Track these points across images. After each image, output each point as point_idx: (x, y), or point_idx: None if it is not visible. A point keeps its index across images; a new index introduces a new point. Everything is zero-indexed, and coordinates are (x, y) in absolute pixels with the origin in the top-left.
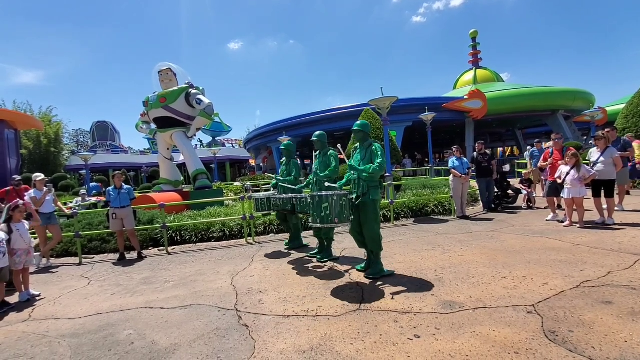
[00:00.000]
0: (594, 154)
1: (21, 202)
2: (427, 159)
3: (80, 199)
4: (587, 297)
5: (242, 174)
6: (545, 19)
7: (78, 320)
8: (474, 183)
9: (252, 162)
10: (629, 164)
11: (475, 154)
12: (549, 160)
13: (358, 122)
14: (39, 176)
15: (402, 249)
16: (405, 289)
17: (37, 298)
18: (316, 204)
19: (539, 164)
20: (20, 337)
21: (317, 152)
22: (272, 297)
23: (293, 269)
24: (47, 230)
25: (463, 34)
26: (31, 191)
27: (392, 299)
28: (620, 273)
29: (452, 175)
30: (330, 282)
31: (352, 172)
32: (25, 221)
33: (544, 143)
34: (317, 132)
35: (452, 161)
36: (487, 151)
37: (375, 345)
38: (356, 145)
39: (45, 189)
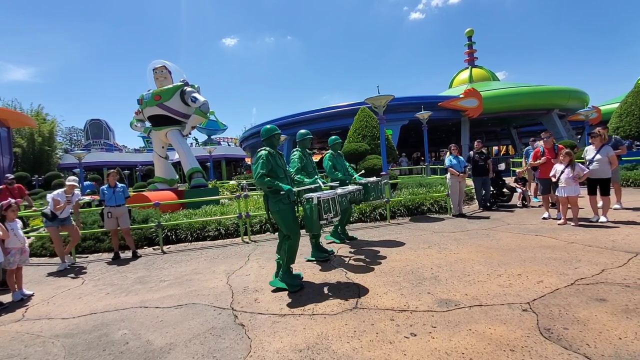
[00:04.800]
0: (589, 152)
1: (13, 201)
2: (422, 158)
3: None
4: (581, 294)
5: (238, 172)
6: (543, 17)
7: (72, 320)
8: (470, 181)
9: (248, 161)
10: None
11: (471, 152)
12: (542, 158)
13: (335, 137)
14: (71, 180)
15: (398, 247)
16: (401, 287)
17: (31, 298)
18: (378, 187)
19: (529, 163)
20: (14, 337)
21: (301, 150)
22: (268, 296)
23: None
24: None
25: (461, 32)
26: (59, 191)
27: (389, 297)
28: (614, 271)
29: (449, 173)
30: (326, 281)
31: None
32: (19, 220)
33: (538, 142)
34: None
35: (449, 159)
36: (484, 150)
37: (371, 344)
38: (331, 152)
39: (74, 196)
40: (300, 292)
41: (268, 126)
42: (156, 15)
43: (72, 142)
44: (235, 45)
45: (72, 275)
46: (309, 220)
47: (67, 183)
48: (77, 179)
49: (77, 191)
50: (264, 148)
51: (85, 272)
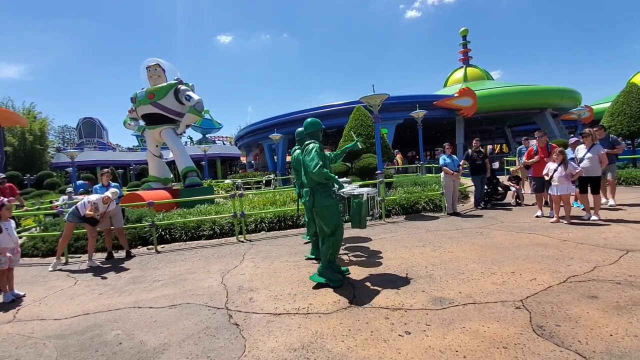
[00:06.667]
0: (580, 150)
1: (6, 199)
2: (417, 156)
3: (66, 197)
4: (573, 291)
5: (233, 171)
6: (539, 16)
7: (64, 321)
8: (464, 180)
9: (243, 160)
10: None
11: (470, 150)
12: (536, 157)
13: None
14: (111, 192)
15: (393, 246)
16: (396, 285)
17: (22, 298)
18: None
19: (522, 161)
20: (5, 338)
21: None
22: (263, 295)
23: (284, 266)
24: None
25: (457, 30)
26: (98, 197)
27: (383, 295)
28: (606, 268)
29: (443, 172)
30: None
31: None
32: (12, 220)
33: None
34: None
35: (443, 158)
36: (481, 149)
37: (366, 342)
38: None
39: (109, 206)
40: (295, 290)
41: (310, 119)
42: (149, 12)
43: (64, 140)
44: (230, 43)
45: (65, 275)
46: (357, 216)
47: (108, 194)
48: (117, 192)
49: (113, 203)
50: (312, 141)
51: (78, 272)
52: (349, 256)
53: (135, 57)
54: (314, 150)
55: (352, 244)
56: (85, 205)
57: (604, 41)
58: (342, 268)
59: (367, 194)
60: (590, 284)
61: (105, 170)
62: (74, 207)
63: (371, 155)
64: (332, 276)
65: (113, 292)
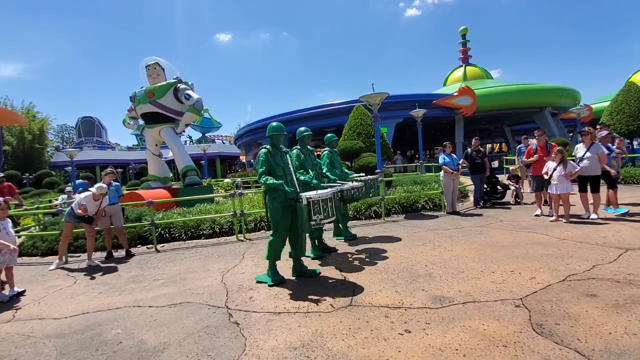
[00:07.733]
0: (579, 149)
1: (1, 199)
2: (417, 155)
3: (66, 196)
4: (573, 290)
5: (233, 170)
6: (539, 15)
7: (64, 320)
8: (463, 179)
9: (243, 159)
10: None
11: (469, 150)
12: (535, 156)
13: (332, 134)
14: (98, 188)
15: (392, 245)
16: (396, 284)
17: (23, 294)
18: (376, 183)
19: (522, 160)
20: (4, 337)
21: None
22: (262, 294)
23: (284, 265)
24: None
25: (457, 28)
26: (88, 195)
27: (383, 294)
28: (605, 266)
29: (443, 171)
30: (321, 278)
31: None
32: (10, 219)
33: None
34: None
35: (443, 157)
36: (481, 147)
37: (366, 341)
38: (329, 150)
39: (101, 202)
40: (295, 289)
41: (274, 123)
42: (148, 11)
43: (64, 140)
44: (229, 41)
45: (64, 274)
46: (300, 219)
47: (93, 189)
48: (105, 187)
49: (106, 199)
50: (264, 146)
51: (77, 271)
52: (352, 257)
53: (134, 56)
54: (259, 156)
55: (351, 243)
56: (76, 206)
57: (604, 41)
58: (312, 270)
59: (308, 198)
60: (590, 283)
61: (109, 170)
62: (70, 207)
63: (371, 154)
64: (271, 276)
65: (113, 291)
